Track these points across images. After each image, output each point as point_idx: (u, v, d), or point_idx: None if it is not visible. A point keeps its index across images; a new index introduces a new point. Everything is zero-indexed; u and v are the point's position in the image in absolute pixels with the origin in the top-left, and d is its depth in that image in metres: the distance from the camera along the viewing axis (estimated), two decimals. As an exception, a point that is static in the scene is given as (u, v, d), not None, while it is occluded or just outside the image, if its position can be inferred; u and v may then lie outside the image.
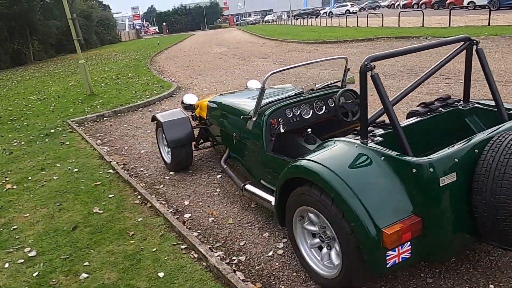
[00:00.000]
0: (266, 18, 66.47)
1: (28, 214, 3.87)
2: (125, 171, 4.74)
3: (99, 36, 42.42)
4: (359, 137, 2.35)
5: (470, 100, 2.82)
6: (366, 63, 2.14)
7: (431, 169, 1.91)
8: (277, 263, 2.76)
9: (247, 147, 3.53)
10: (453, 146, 2.06)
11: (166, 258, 2.89)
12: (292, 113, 3.37)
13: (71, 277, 2.80)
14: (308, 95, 3.50)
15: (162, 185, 4.34)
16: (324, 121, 3.60)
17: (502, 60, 8.41)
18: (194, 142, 4.68)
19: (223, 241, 3.11)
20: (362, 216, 1.97)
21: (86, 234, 3.37)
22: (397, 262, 1.99)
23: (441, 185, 1.91)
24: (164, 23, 74.44)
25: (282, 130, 3.28)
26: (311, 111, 3.46)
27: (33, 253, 3.14)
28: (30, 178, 4.86)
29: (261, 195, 3.18)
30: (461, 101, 2.84)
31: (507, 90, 6.10)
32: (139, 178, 4.64)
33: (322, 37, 19.13)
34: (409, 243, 1.98)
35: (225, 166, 3.85)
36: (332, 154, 2.30)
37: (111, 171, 4.78)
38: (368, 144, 2.24)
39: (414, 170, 1.96)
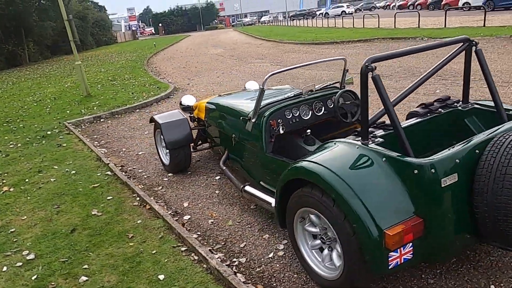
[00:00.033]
0: (262, 19, 66.62)
1: (25, 217, 3.84)
2: (123, 173, 4.72)
3: (94, 37, 42.30)
4: (359, 138, 2.35)
5: (469, 100, 2.83)
6: (367, 64, 2.14)
7: (432, 170, 1.91)
8: (277, 265, 2.75)
9: (247, 149, 3.53)
10: (454, 147, 2.06)
11: (166, 260, 2.88)
12: (291, 114, 3.36)
13: (70, 280, 2.78)
14: (307, 96, 3.50)
15: (160, 187, 4.33)
16: (323, 122, 3.60)
17: (498, 61, 8.46)
18: (193, 144, 4.67)
19: (223, 243, 3.10)
20: (364, 217, 1.96)
21: (85, 236, 3.35)
22: (399, 263, 1.99)
23: (442, 186, 1.92)
24: (160, 24, 74.34)
25: (281, 131, 3.27)
26: (310, 112, 3.46)
27: (31, 256, 3.12)
28: (27, 180, 4.82)
29: (261, 196, 3.17)
30: (460, 102, 2.85)
31: (504, 91, 6.13)
32: (137, 180, 4.62)
33: (318, 38, 19.16)
34: (411, 244, 1.98)
35: (224, 168, 3.84)
36: (333, 155, 2.30)
37: (109, 173, 4.75)
38: (369, 145, 2.24)
39: (415, 171, 1.96)
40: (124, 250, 3.07)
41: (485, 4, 19.99)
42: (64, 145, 6.19)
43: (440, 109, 2.78)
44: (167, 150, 4.47)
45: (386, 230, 1.92)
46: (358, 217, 1.98)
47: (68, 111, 8.78)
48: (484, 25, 14.44)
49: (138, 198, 3.95)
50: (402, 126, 2.56)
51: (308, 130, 3.37)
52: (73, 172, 4.93)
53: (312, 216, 2.38)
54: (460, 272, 2.43)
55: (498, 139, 2.02)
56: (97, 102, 9.38)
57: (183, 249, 2.99)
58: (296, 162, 2.43)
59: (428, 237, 2.00)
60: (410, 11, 29.07)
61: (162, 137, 4.44)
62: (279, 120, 3.27)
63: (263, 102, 3.37)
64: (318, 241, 2.45)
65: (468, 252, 2.58)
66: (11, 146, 6.47)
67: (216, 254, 2.91)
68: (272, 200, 2.99)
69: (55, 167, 5.20)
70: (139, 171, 4.90)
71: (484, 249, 2.60)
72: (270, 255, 2.86)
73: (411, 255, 2.01)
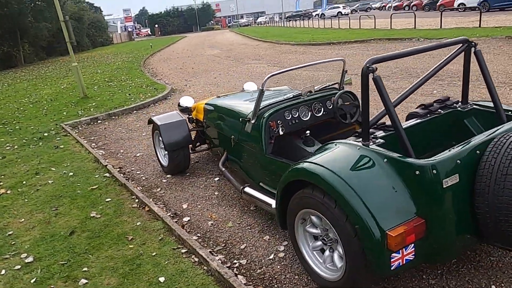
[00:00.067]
0: (259, 20, 66.65)
1: (23, 219, 3.81)
2: (122, 175, 4.70)
3: (90, 39, 42.17)
4: (360, 139, 2.35)
5: (468, 101, 2.84)
6: (368, 65, 2.14)
7: (434, 171, 1.92)
8: (278, 266, 2.74)
9: (246, 150, 3.52)
10: (455, 147, 2.07)
11: (166, 262, 2.86)
12: (290, 115, 3.36)
13: (70, 283, 2.76)
14: (307, 97, 3.50)
15: (159, 189, 4.31)
16: (322, 123, 3.60)
17: (494, 62, 8.51)
18: (191, 145, 4.66)
19: (223, 245, 3.09)
20: (366, 219, 1.96)
21: (84, 239, 3.33)
22: (401, 264, 1.99)
23: (444, 186, 1.92)
24: (156, 25, 74.23)
25: (281, 133, 3.27)
26: (309, 113, 3.46)
27: (30, 259, 3.09)
28: (24, 182, 4.79)
29: (261, 197, 3.17)
30: (460, 103, 2.86)
31: (500, 91, 6.17)
32: (135, 181, 4.60)
33: (315, 39, 19.19)
34: (412, 245, 1.98)
35: (223, 169, 3.84)
36: (334, 157, 2.30)
37: (107, 174, 4.73)
38: (370, 146, 2.25)
39: (417, 172, 1.96)
40: (124, 253, 3.05)
41: (480, 5, 20.11)
42: (61, 147, 6.15)
43: (439, 110, 2.79)
44: (166, 152, 4.46)
45: (388, 231, 1.93)
46: (360, 218, 1.98)
47: (64, 113, 8.74)
48: (479, 26, 14.53)
49: (137, 200, 3.94)
50: (403, 127, 2.57)
51: (307, 131, 3.37)
52: (71, 174, 4.90)
53: (313, 218, 2.38)
54: (461, 273, 2.44)
55: (499, 140, 2.03)
56: (94, 104, 9.34)
57: (183, 251, 2.98)
58: (297, 163, 2.43)
59: (429, 237, 2.00)
60: (405, 12, 29.19)
61: (160, 138, 4.42)
62: (278, 121, 3.27)
63: (262, 103, 3.37)
64: (319, 242, 2.45)
65: (468, 253, 2.59)
66: (8, 148, 6.42)
67: (217, 256, 2.90)
68: (272, 201, 2.99)
69: (52, 169, 5.17)
70: (138, 172, 4.88)
71: (484, 249, 2.61)
72: (271, 257, 2.86)
73: (413, 256, 2.01)
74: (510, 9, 20.77)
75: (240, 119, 3.53)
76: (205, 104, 4.47)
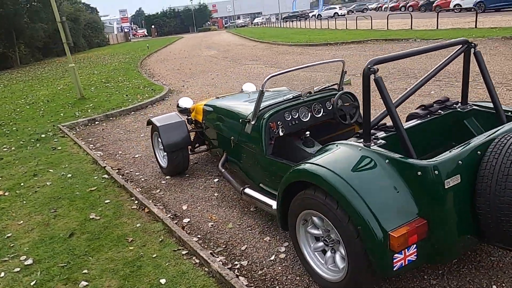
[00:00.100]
0: (255, 20, 66.72)
1: (22, 221, 3.79)
2: (120, 176, 4.69)
3: (87, 39, 42.05)
4: (361, 140, 2.36)
5: (468, 102, 2.85)
6: (369, 66, 2.15)
7: (436, 172, 1.92)
8: (279, 267, 2.74)
9: (246, 151, 3.52)
10: (456, 148, 2.07)
11: (167, 264, 2.86)
12: (290, 116, 3.37)
13: (70, 285, 2.75)
14: (306, 98, 3.51)
15: (158, 190, 4.30)
16: (322, 123, 3.61)
17: (490, 62, 8.55)
18: (190, 146, 4.65)
19: (224, 246, 3.09)
20: (369, 220, 1.97)
21: (84, 241, 3.31)
22: (403, 265, 1.99)
23: (446, 187, 1.93)
24: (153, 26, 74.06)
25: (281, 133, 3.27)
26: (309, 114, 3.47)
27: (29, 262, 3.08)
28: (22, 184, 4.77)
29: (261, 198, 3.16)
30: (459, 103, 2.88)
31: (497, 92, 6.17)
32: (134, 183, 4.59)
33: (312, 40, 19.23)
34: (415, 245, 1.99)
35: (223, 170, 3.83)
36: (336, 157, 2.30)
37: (106, 176, 4.71)
38: (372, 147, 2.25)
39: (419, 173, 1.97)
40: (124, 254, 3.04)
41: (476, 5, 20.22)
42: (59, 148, 6.12)
43: (439, 111, 2.80)
44: (165, 153, 4.45)
45: (390, 232, 1.93)
46: (363, 219, 1.98)
47: (62, 114, 8.70)
48: (475, 27, 14.61)
49: (136, 202, 3.92)
50: (404, 127, 2.58)
51: (307, 132, 3.38)
52: (69, 175, 4.88)
53: (315, 219, 2.38)
54: (462, 273, 2.44)
55: (500, 141, 2.04)
56: (91, 105, 9.31)
57: (184, 252, 2.97)
58: (298, 164, 2.43)
59: (431, 238, 2.01)
60: (402, 13, 29.31)
61: (160, 139, 4.41)
62: (278, 122, 3.27)
63: (262, 104, 3.37)
64: (321, 243, 2.45)
65: (469, 253, 2.59)
66: (5, 149, 6.39)
67: (218, 257, 2.90)
68: (272, 202, 2.99)
69: (50, 170, 5.15)
70: (136, 174, 4.87)
71: (484, 249, 2.62)
72: (272, 258, 2.85)
73: (415, 257, 2.02)
74: (505, 9, 20.92)
75: (240, 120, 3.52)
76: (204, 105, 4.46)
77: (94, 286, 2.71)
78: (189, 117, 4.91)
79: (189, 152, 4.59)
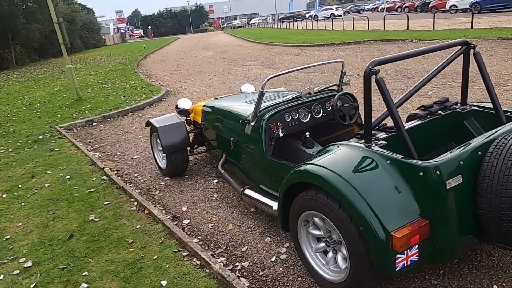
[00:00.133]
0: (252, 21, 66.72)
1: (20, 223, 3.77)
2: (119, 178, 4.67)
3: (83, 40, 41.90)
4: (363, 140, 2.36)
5: (467, 102, 2.86)
6: (370, 67, 2.15)
7: (437, 172, 1.93)
8: (281, 268, 2.74)
9: (246, 152, 3.52)
10: (457, 148, 2.08)
11: (168, 265, 2.85)
12: (290, 117, 3.37)
13: (70, 287, 2.73)
14: (306, 99, 3.51)
15: (158, 191, 4.29)
16: (321, 124, 3.61)
17: (487, 63, 8.60)
18: (189, 147, 4.64)
19: (224, 247, 3.08)
20: (371, 220, 1.97)
21: (83, 242, 3.30)
22: (405, 265, 2.00)
23: (447, 187, 1.93)
24: (149, 27, 73.96)
25: (281, 134, 3.27)
26: (309, 115, 3.47)
27: (28, 264, 3.06)
28: (20, 186, 4.74)
29: (261, 199, 3.16)
30: (459, 104, 2.89)
31: (495, 92, 6.23)
32: (133, 184, 4.58)
33: (309, 40, 19.26)
34: (417, 246, 1.99)
35: (223, 171, 3.83)
36: (337, 158, 2.31)
37: (104, 177, 4.69)
38: (373, 148, 2.26)
39: (421, 173, 1.98)
40: (124, 256, 3.03)
41: (472, 6, 20.33)
42: (57, 149, 6.10)
43: (439, 111, 2.81)
44: (164, 154, 4.43)
45: (393, 232, 1.93)
46: (365, 220, 1.98)
47: (59, 115, 8.66)
48: (471, 27, 14.69)
49: (136, 203, 3.91)
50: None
51: (307, 133, 3.38)
52: (68, 177, 4.86)
53: (316, 219, 2.38)
54: (463, 273, 2.45)
55: (500, 141, 2.05)
56: (88, 106, 9.28)
57: (184, 254, 2.97)
58: (299, 165, 2.43)
59: (433, 238, 2.01)
60: (398, 14, 29.42)
61: (159, 141, 4.40)
62: (278, 123, 3.27)
63: (262, 105, 3.37)
64: (322, 244, 2.45)
65: (469, 253, 2.60)
66: (2, 151, 6.35)
67: (218, 258, 2.89)
68: (272, 203, 2.99)
69: (48, 172, 5.12)
70: (135, 175, 4.85)
71: (485, 249, 2.63)
72: (273, 259, 2.85)
73: (417, 257, 2.02)
74: (500, 10, 21.04)
75: (240, 121, 3.52)
76: (203, 106, 4.46)
77: (94, 288, 2.70)
78: (188, 118, 4.90)
79: (188, 153, 4.58)
